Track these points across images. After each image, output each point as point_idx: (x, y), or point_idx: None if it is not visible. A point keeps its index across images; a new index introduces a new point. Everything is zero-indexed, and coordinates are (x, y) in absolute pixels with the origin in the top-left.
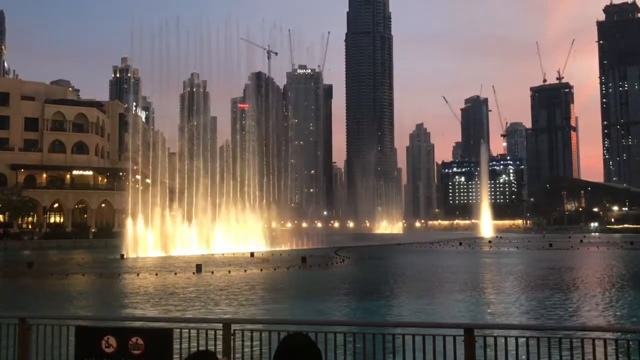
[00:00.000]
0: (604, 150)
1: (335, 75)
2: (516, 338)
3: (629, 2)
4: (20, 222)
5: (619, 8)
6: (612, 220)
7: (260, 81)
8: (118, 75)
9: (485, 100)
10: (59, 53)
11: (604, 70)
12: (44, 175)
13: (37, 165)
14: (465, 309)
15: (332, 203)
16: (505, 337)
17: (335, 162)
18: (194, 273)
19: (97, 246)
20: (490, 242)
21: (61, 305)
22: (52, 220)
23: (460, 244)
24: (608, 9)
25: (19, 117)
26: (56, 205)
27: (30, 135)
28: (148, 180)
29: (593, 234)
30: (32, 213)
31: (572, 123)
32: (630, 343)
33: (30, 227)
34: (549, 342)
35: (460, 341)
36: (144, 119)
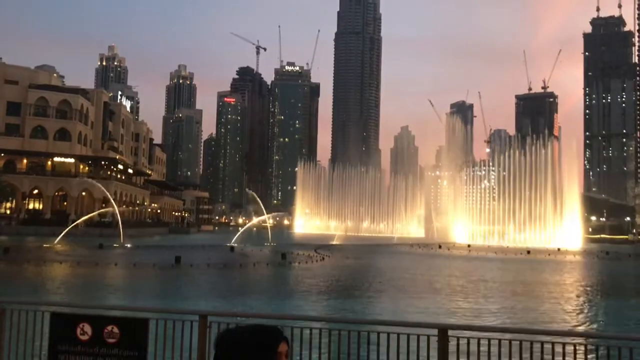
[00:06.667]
0: (584, 160)
1: (323, 73)
2: (489, 340)
3: (616, 16)
4: None
5: (606, 21)
6: (590, 230)
7: (248, 76)
8: (104, 63)
9: (471, 106)
10: (44, 38)
11: (588, 81)
12: (25, 161)
13: (17, 150)
14: (440, 310)
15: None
16: (478, 339)
17: (319, 161)
18: (172, 265)
19: (75, 234)
20: (469, 246)
21: (36, 292)
22: (31, 206)
23: (440, 247)
24: (595, 22)
25: (1, 101)
26: (36, 191)
27: (12, 120)
28: None
29: (570, 242)
30: (10, 198)
31: (555, 132)
32: (600, 348)
33: (8, 212)
34: (521, 345)
35: (435, 341)
36: (128, 109)
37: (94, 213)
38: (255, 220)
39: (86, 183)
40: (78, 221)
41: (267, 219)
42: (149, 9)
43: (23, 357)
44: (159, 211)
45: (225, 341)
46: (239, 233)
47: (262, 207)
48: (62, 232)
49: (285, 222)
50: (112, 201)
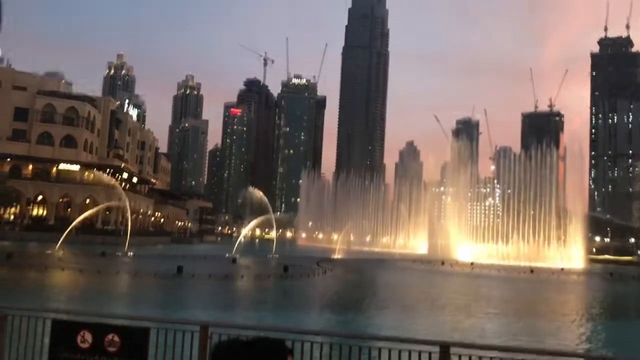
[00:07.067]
0: (590, 180)
1: (330, 87)
2: (490, 359)
3: (623, 37)
4: (2, 212)
5: (613, 41)
6: (594, 250)
7: (255, 88)
8: (112, 71)
9: (477, 123)
10: (53, 46)
11: (594, 101)
12: (30, 167)
13: (23, 156)
14: (443, 327)
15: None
16: (480, 358)
17: (324, 173)
18: (174, 275)
19: (77, 242)
20: (472, 264)
21: (38, 298)
22: (35, 212)
23: (443, 263)
24: (602, 42)
25: (8, 106)
26: (40, 197)
27: (19, 126)
28: None
29: (574, 262)
30: (15, 204)
31: (561, 151)
32: None
33: (12, 218)
34: None
35: (436, 358)
36: (135, 117)
37: (99, 207)
38: (256, 221)
39: (109, 185)
40: (80, 218)
41: (273, 217)
42: (158, 18)
43: None
44: (162, 220)
45: (227, 352)
46: (240, 236)
47: (268, 204)
48: (63, 239)
49: (288, 234)
50: (126, 203)
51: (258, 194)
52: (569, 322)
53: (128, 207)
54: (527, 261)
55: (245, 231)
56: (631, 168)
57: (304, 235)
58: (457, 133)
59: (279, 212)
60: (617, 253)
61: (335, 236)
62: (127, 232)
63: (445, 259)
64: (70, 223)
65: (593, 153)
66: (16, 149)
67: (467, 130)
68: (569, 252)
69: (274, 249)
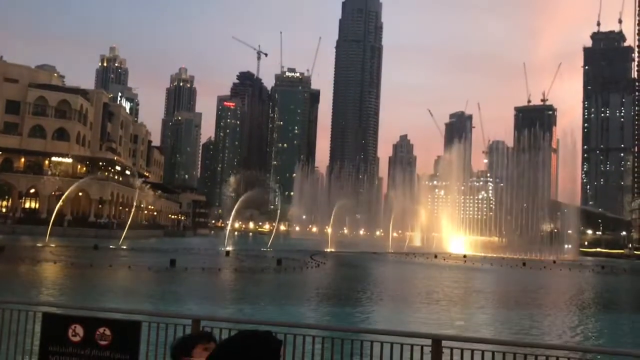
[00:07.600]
0: (582, 174)
1: (323, 80)
2: (482, 352)
3: (616, 31)
4: None
5: (606, 36)
6: (586, 243)
7: (249, 81)
8: (105, 64)
9: (470, 117)
10: (46, 38)
11: (587, 95)
12: (22, 160)
13: (15, 149)
14: (436, 320)
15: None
16: (472, 351)
17: (317, 167)
18: (167, 268)
19: (70, 235)
20: (465, 256)
21: (29, 292)
22: (27, 205)
23: (436, 256)
24: (595, 36)
25: (0, 99)
26: (32, 190)
27: (10, 118)
28: None
29: (566, 255)
30: (7, 197)
31: (554, 145)
32: None
33: (4, 211)
34: (514, 357)
35: (428, 351)
36: (128, 110)
37: (74, 185)
38: (245, 196)
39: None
40: (61, 200)
41: (272, 183)
42: (151, 10)
43: (14, 356)
44: (155, 213)
45: (220, 350)
46: (227, 229)
47: (264, 175)
48: (56, 232)
49: (282, 227)
50: (135, 195)
51: (247, 173)
52: (562, 315)
53: (135, 200)
54: (519, 254)
55: (234, 211)
56: (623, 162)
57: (297, 228)
58: (450, 127)
59: (272, 206)
60: (609, 246)
61: (329, 229)
62: (124, 225)
63: (438, 251)
64: (63, 216)
65: (585, 147)
66: (8, 142)
67: (460, 124)
68: (561, 245)
69: (269, 242)
